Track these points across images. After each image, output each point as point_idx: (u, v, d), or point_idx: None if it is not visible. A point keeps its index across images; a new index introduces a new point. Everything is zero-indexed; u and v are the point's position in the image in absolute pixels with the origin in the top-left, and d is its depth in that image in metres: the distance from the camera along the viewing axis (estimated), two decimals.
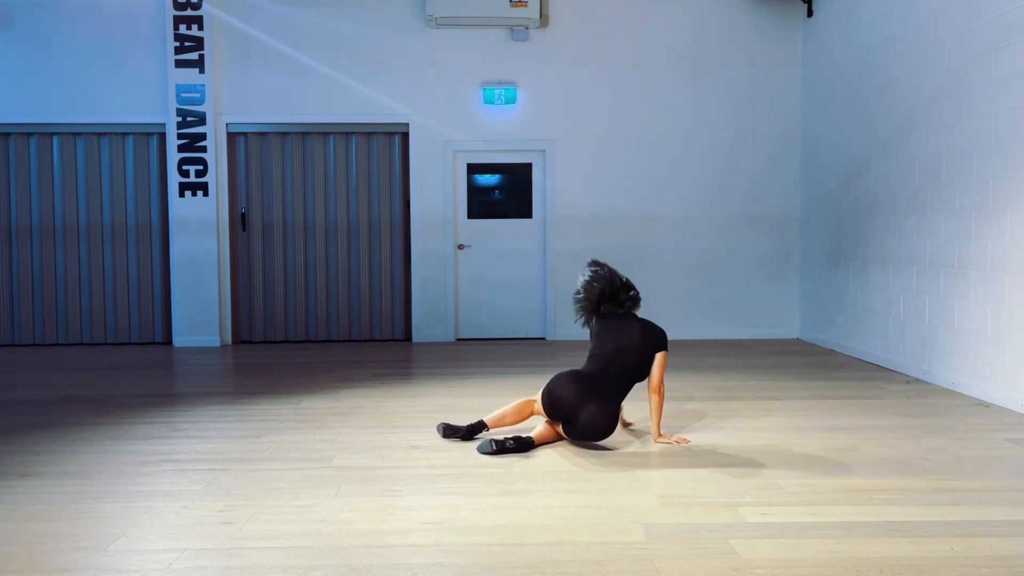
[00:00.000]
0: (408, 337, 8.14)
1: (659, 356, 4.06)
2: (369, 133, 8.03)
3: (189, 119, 7.69)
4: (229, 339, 7.97)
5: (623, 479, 3.52)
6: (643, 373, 4.04)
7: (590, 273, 4.20)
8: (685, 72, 7.95)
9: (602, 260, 4.30)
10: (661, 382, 4.06)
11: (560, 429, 4.06)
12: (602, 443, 4.06)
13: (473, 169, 8.10)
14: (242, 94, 7.83)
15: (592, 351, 4.10)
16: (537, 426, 4.12)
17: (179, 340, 7.86)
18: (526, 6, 7.46)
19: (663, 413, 4.23)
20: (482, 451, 3.92)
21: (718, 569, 2.59)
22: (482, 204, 8.17)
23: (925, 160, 5.76)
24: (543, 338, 8.00)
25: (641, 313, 4.31)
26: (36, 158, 7.92)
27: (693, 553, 2.71)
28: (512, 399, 4.79)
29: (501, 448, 3.90)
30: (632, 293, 4.22)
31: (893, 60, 6.16)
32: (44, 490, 3.43)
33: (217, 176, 7.80)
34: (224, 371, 6.62)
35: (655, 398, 4.07)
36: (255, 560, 2.68)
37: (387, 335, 8.17)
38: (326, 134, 8.02)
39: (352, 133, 8.02)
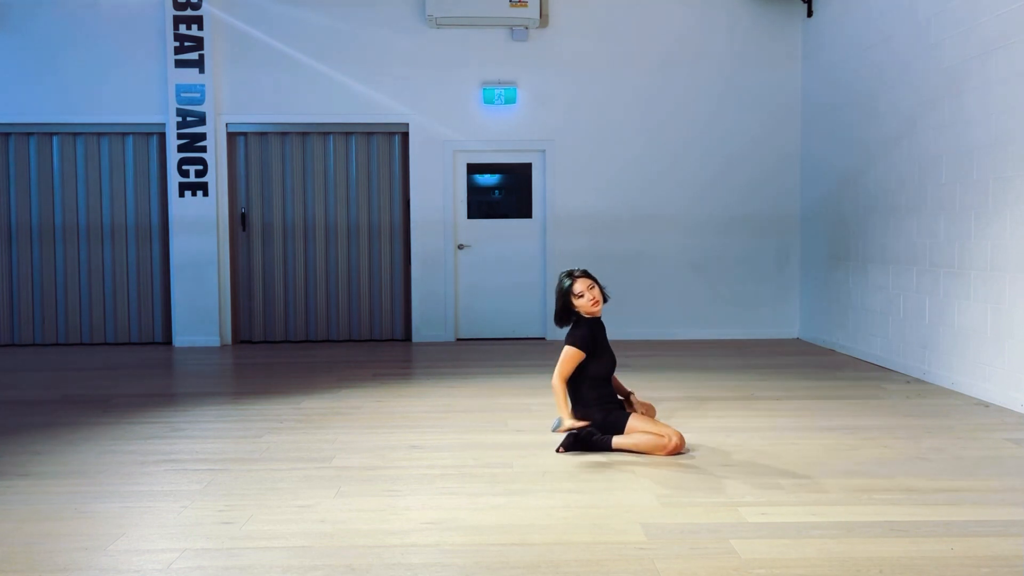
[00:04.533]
0: (408, 337, 8.14)
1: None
2: (369, 133, 8.03)
3: (189, 119, 7.69)
4: (229, 339, 7.97)
5: (623, 479, 3.51)
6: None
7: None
8: (685, 72, 7.95)
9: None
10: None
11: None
12: (602, 443, 4.06)
13: (473, 169, 8.10)
14: (242, 94, 7.83)
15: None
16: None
17: (179, 340, 7.86)
18: (526, 6, 7.46)
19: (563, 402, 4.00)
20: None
21: (718, 569, 2.59)
22: (482, 204, 8.17)
23: (925, 160, 5.76)
24: (543, 338, 8.00)
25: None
26: (36, 158, 7.92)
27: (693, 553, 2.71)
28: (512, 399, 4.80)
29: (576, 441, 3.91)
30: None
31: (893, 60, 6.16)
32: (44, 490, 3.43)
33: (217, 176, 7.80)
34: (224, 371, 6.62)
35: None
36: (255, 560, 2.68)
37: (387, 335, 8.17)
38: (326, 134, 8.02)
39: (352, 133, 8.02)
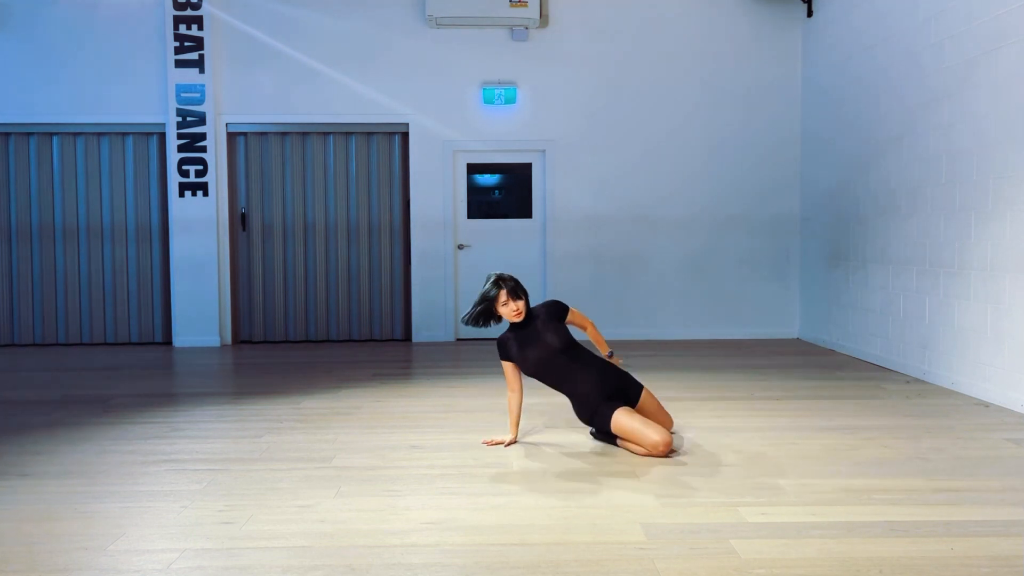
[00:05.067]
0: (408, 337, 8.14)
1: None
2: (369, 133, 8.03)
3: (189, 119, 7.70)
4: (229, 339, 7.97)
5: (623, 479, 3.52)
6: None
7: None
8: (685, 72, 7.95)
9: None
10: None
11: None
12: (603, 442, 4.06)
13: (473, 169, 8.10)
14: (242, 94, 7.83)
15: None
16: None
17: (179, 340, 7.86)
18: (526, 6, 7.46)
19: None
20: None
21: (718, 569, 2.59)
22: (482, 204, 8.18)
23: (925, 160, 5.76)
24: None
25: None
26: (36, 158, 7.92)
27: (693, 553, 2.71)
28: None
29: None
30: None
31: (893, 60, 6.16)
32: (44, 490, 3.43)
33: (217, 176, 7.80)
34: (224, 371, 6.62)
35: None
36: (255, 560, 2.68)
37: (387, 335, 8.17)
38: (326, 134, 8.02)
39: (352, 133, 8.02)
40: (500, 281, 3.97)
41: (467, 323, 4.04)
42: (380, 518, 3.06)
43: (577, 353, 4.03)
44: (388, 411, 4.90)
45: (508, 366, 4.04)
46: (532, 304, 4.13)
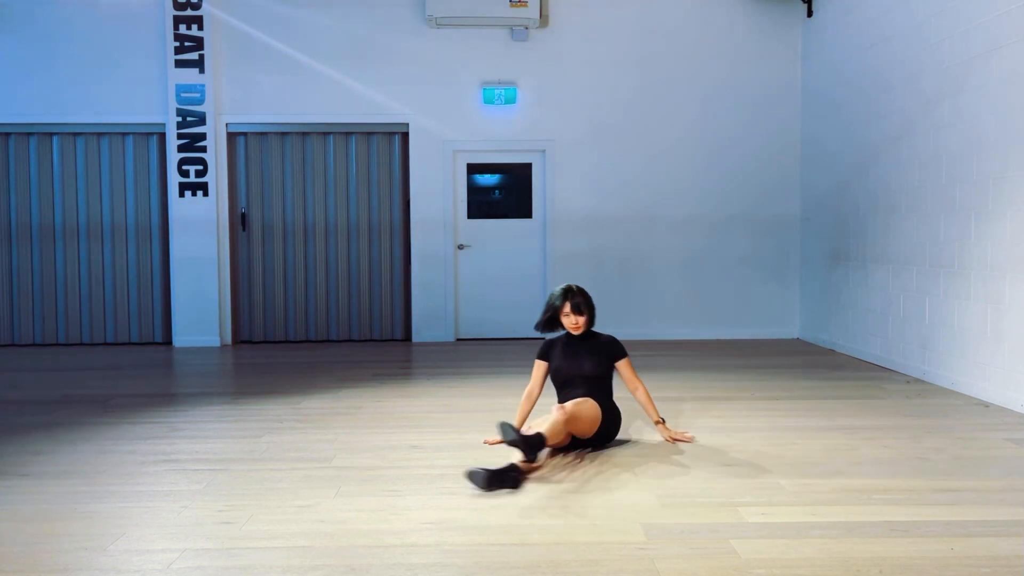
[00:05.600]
0: (408, 337, 8.14)
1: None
2: (369, 133, 8.03)
3: (189, 119, 7.69)
4: (229, 339, 7.97)
5: (623, 479, 3.51)
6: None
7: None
8: (685, 72, 7.95)
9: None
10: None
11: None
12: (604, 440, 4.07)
13: (473, 169, 8.10)
14: (242, 94, 7.83)
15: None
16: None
17: (179, 340, 7.86)
18: (526, 6, 7.46)
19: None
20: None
21: (718, 569, 2.59)
22: (482, 204, 8.17)
23: (925, 160, 5.76)
24: (543, 338, 7.98)
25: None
26: (36, 158, 7.92)
27: (693, 553, 2.71)
28: (512, 399, 4.79)
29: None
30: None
31: (893, 60, 6.16)
32: (44, 490, 3.43)
33: (217, 176, 7.80)
34: (224, 371, 6.62)
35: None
36: (255, 560, 2.68)
37: (387, 335, 8.17)
38: (326, 134, 8.02)
39: (352, 133, 8.02)
40: (568, 293, 4.10)
41: (538, 330, 4.19)
42: (380, 518, 3.06)
43: (599, 388, 4.04)
44: (388, 411, 4.90)
45: (540, 365, 4.16)
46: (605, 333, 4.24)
